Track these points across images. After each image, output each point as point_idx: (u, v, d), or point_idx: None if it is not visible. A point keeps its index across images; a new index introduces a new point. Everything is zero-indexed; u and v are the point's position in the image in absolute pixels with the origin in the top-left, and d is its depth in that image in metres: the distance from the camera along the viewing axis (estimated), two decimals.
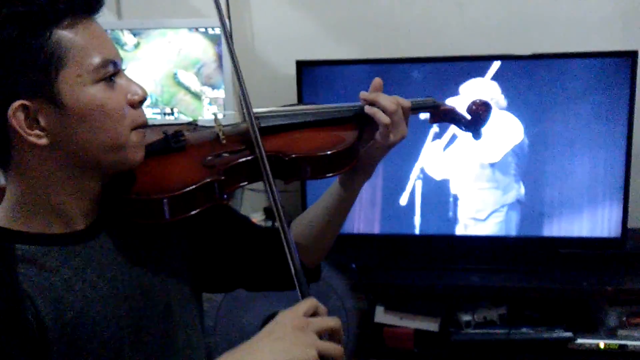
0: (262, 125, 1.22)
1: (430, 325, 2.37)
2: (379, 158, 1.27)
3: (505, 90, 2.32)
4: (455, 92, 2.33)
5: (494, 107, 2.22)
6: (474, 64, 2.35)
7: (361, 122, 1.26)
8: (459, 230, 2.43)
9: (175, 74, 2.50)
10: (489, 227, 2.40)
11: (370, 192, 2.39)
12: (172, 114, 2.53)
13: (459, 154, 2.36)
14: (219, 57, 2.47)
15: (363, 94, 1.26)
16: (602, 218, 2.34)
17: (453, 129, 2.28)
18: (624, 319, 2.28)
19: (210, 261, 1.28)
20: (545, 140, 2.34)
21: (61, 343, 1.00)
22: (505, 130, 2.33)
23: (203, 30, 2.45)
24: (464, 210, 2.41)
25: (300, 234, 1.31)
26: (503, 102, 2.32)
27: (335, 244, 1.37)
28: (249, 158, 1.17)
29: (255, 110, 1.22)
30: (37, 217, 1.04)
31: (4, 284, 0.98)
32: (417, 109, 1.33)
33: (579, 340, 2.28)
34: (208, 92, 2.51)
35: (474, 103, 1.37)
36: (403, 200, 2.42)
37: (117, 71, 1.05)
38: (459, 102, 2.28)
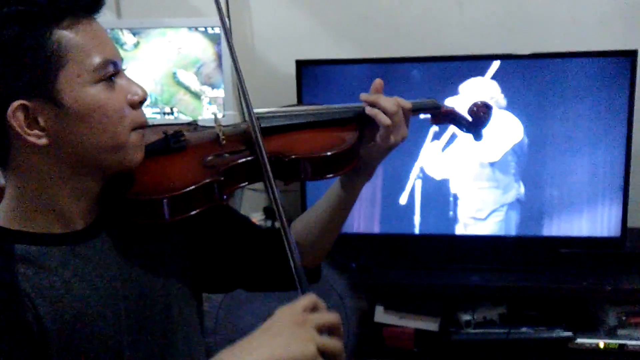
0: (263, 125, 1.22)
1: (430, 324, 2.37)
2: (380, 159, 1.27)
3: (505, 90, 2.32)
4: (455, 92, 2.33)
5: (494, 106, 2.22)
6: (474, 64, 2.34)
7: (362, 123, 1.26)
8: (459, 230, 2.42)
9: (174, 74, 2.50)
10: (489, 227, 2.40)
11: (370, 191, 2.39)
12: (172, 113, 2.53)
13: (458, 153, 2.36)
14: (219, 57, 2.47)
15: (363, 96, 1.26)
16: (602, 217, 2.34)
17: (453, 129, 2.29)
18: (624, 318, 2.28)
19: (209, 261, 1.28)
20: (545, 139, 2.34)
21: (60, 343, 1.00)
22: (505, 129, 2.33)
23: (203, 29, 2.45)
24: (464, 209, 2.41)
25: (300, 234, 1.31)
26: (503, 101, 2.32)
27: (335, 244, 1.37)
28: (249, 159, 1.16)
29: (255, 110, 1.21)
30: (36, 217, 1.04)
31: (3, 283, 0.98)
32: (418, 110, 1.33)
33: (579, 340, 2.28)
34: (208, 91, 2.50)
35: (475, 104, 1.37)
36: (403, 200, 2.42)
37: (118, 71, 1.05)
38: (459, 102, 2.30)
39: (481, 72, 2.32)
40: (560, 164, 2.34)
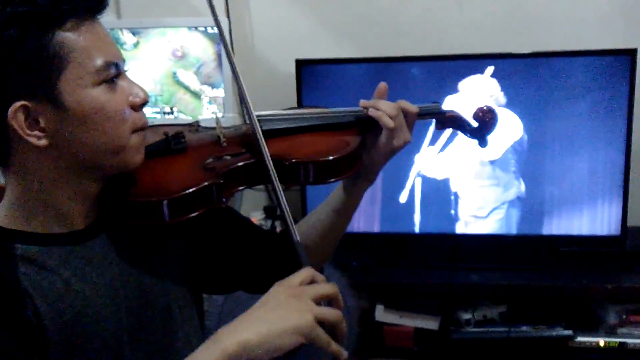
0: (264, 128, 1.21)
1: (430, 323, 2.37)
2: (382, 164, 1.27)
3: (505, 88, 2.32)
4: (454, 90, 2.33)
5: (494, 104, 2.23)
6: (474, 62, 2.34)
7: (364, 127, 1.25)
8: (459, 229, 2.43)
9: (174, 73, 2.50)
10: (490, 225, 2.40)
11: (370, 190, 2.36)
12: (172, 113, 2.53)
13: (458, 152, 2.36)
14: (219, 56, 2.47)
15: (363, 102, 1.26)
16: (602, 216, 2.34)
17: (448, 132, 2.29)
18: (624, 316, 2.28)
19: (210, 262, 1.28)
20: (545, 138, 2.34)
21: (60, 342, 1.00)
22: (505, 127, 2.33)
23: (202, 29, 2.45)
24: (465, 207, 2.41)
25: (302, 237, 1.30)
26: (502, 99, 2.32)
27: None
28: (250, 161, 1.16)
29: (256, 112, 1.21)
30: (36, 217, 1.04)
31: (4, 282, 0.98)
32: (422, 114, 1.32)
33: (579, 338, 2.28)
34: (207, 91, 2.50)
35: (480, 110, 1.35)
36: (403, 198, 2.42)
37: (119, 73, 1.05)
38: (459, 100, 2.30)
39: (481, 71, 2.31)
40: (560, 162, 2.34)
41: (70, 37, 0.98)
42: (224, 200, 1.12)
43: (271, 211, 2.56)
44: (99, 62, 1.00)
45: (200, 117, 2.50)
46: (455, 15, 2.55)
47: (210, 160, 1.16)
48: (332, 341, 0.98)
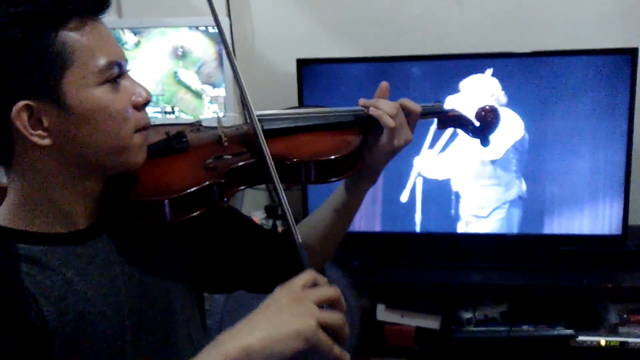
0: (265, 127, 1.21)
1: (431, 323, 2.38)
2: (383, 163, 1.26)
3: (506, 87, 2.32)
4: (455, 90, 2.33)
5: (495, 104, 2.23)
6: (474, 62, 2.34)
7: (365, 126, 1.25)
8: (460, 228, 2.43)
9: (175, 73, 2.50)
10: (491, 225, 2.41)
11: (371, 189, 2.37)
12: (173, 112, 2.53)
13: (459, 151, 2.36)
14: (220, 56, 2.47)
15: (362, 101, 1.26)
16: (603, 215, 2.34)
17: (449, 132, 2.29)
18: (625, 316, 2.28)
19: (211, 261, 1.28)
20: (546, 137, 2.34)
21: (63, 342, 1.00)
22: (506, 127, 2.33)
23: (203, 28, 2.45)
24: (466, 207, 2.41)
25: (303, 237, 1.30)
26: (503, 98, 2.32)
27: None
28: (251, 161, 1.16)
29: (257, 112, 1.21)
30: (39, 217, 1.04)
31: (7, 283, 0.98)
32: (425, 114, 1.31)
33: (580, 338, 2.28)
34: (209, 90, 2.51)
35: (482, 109, 1.34)
36: (404, 198, 2.42)
37: (122, 73, 1.05)
38: (460, 99, 2.30)
39: (482, 71, 2.32)
40: (561, 161, 2.34)
41: (73, 36, 0.98)
42: (225, 199, 1.12)
43: (272, 211, 2.56)
44: (102, 61, 1.00)
45: (201, 117, 2.50)
46: (455, 14, 2.55)
47: (211, 159, 1.16)
48: (335, 345, 0.98)
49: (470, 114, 1.36)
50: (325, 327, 0.97)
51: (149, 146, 1.11)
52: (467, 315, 2.34)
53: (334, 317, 0.99)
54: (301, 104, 2.37)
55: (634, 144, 2.29)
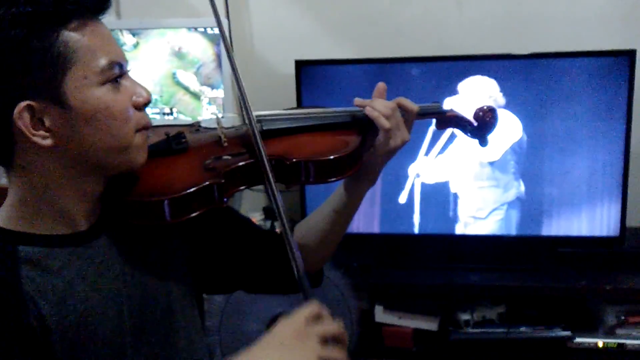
0: (265, 128, 1.22)
1: (429, 324, 2.38)
2: (382, 163, 1.26)
3: (504, 89, 2.32)
4: (454, 91, 2.33)
5: (493, 105, 2.23)
6: (473, 63, 2.35)
7: (363, 126, 1.25)
8: (458, 230, 2.43)
9: (174, 74, 2.50)
10: (489, 226, 2.41)
11: (369, 190, 2.38)
12: (171, 113, 2.53)
13: (458, 153, 2.36)
14: (218, 57, 2.47)
15: (357, 100, 1.26)
16: (601, 217, 2.35)
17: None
18: (623, 317, 2.28)
19: (210, 262, 1.28)
20: (544, 139, 2.35)
21: (64, 344, 1.01)
22: (504, 128, 2.33)
23: (202, 30, 2.45)
24: (464, 208, 2.41)
25: (302, 238, 1.31)
26: (502, 100, 2.32)
27: None
28: (250, 161, 1.16)
29: (257, 112, 1.21)
30: (39, 218, 1.04)
31: (7, 286, 0.98)
32: (423, 114, 1.32)
33: (578, 339, 2.29)
34: (207, 91, 2.51)
35: (480, 109, 1.34)
36: (402, 199, 2.42)
37: (123, 73, 1.05)
38: (458, 101, 2.30)
39: (480, 72, 2.32)
40: (560, 163, 2.35)
41: (74, 37, 0.98)
42: (225, 200, 1.12)
43: (270, 212, 2.56)
44: (103, 62, 1.00)
45: (199, 118, 2.50)
46: (454, 16, 2.56)
47: (211, 160, 1.16)
48: None
49: (469, 115, 1.36)
50: None
51: (148, 147, 1.11)
52: (465, 316, 2.35)
53: (336, 354, 0.98)
54: (300, 105, 2.37)
55: (632, 146, 2.29)
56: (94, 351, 1.04)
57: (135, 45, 2.47)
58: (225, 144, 1.21)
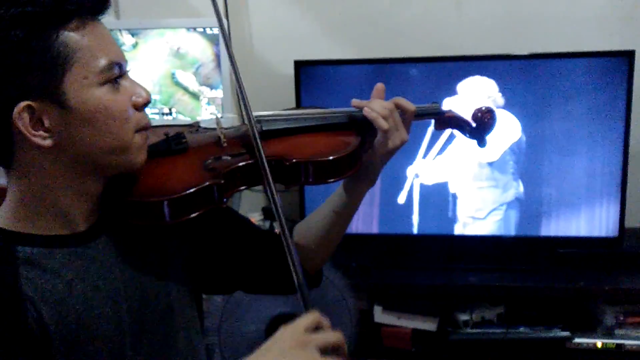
0: (264, 128, 1.22)
1: (428, 324, 2.38)
2: (382, 164, 1.26)
3: (503, 89, 2.32)
4: (453, 92, 2.33)
5: (492, 105, 2.23)
6: (472, 63, 2.35)
7: (363, 127, 1.25)
8: (457, 230, 2.43)
9: (173, 74, 2.50)
10: (488, 226, 2.41)
11: (368, 191, 2.39)
12: (170, 114, 2.53)
13: (457, 153, 2.36)
14: (217, 57, 2.47)
15: (355, 101, 1.26)
16: (600, 217, 2.35)
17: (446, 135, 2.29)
18: (621, 318, 2.29)
19: (209, 262, 1.28)
20: (543, 139, 2.35)
21: (63, 345, 1.00)
22: (503, 129, 2.33)
23: (201, 30, 2.45)
24: (463, 209, 2.41)
25: (302, 238, 1.31)
26: (501, 100, 2.33)
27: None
28: (250, 162, 1.16)
29: (256, 113, 1.21)
30: (39, 219, 1.04)
31: (5, 286, 0.98)
32: (421, 115, 1.32)
33: (577, 340, 2.29)
34: (206, 92, 2.51)
35: (479, 110, 1.35)
36: (401, 199, 2.42)
37: (123, 73, 1.05)
38: (457, 101, 2.31)
39: (479, 73, 2.32)
40: (558, 163, 2.35)
41: (74, 37, 0.98)
42: (224, 200, 1.12)
43: (269, 212, 2.56)
44: (103, 62, 1.00)
45: (199, 118, 2.50)
46: (453, 16, 2.56)
47: (210, 160, 1.16)
48: None
49: (467, 115, 1.36)
50: None
51: (148, 147, 1.11)
52: (464, 317, 2.35)
53: None
54: (299, 106, 2.37)
55: (631, 146, 2.29)
56: (93, 352, 1.04)
57: (135, 46, 2.47)
58: (225, 145, 1.21)
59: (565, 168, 2.35)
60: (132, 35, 2.47)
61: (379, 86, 1.27)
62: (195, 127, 1.28)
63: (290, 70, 2.40)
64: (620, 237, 2.34)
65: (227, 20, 2.57)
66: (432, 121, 1.39)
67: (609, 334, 2.29)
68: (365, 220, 2.45)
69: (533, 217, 2.39)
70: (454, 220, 2.42)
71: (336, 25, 2.63)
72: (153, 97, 2.53)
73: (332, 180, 1.19)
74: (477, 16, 2.54)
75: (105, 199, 1.09)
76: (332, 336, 1.00)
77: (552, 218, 2.38)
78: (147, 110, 1.09)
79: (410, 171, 2.39)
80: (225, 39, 1.24)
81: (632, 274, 2.33)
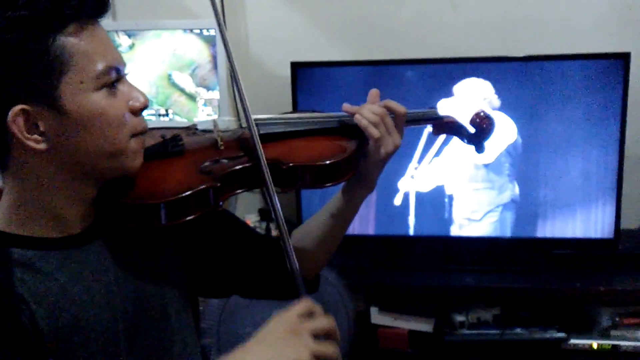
0: (261, 132, 1.21)
1: (424, 326, 2.38)
2: (378, 169, 1.25)
3: (499, 91, 2.32)
4: (449, 93, 2.33)
5: (488, 107, 2.23)
6: (468, 65, 2.35)
7: (359, 132, 1.25)
8: (453, 231, 2.43)
9: (170, 75, 2.50)
10: (484, 228, 2.41)
11: None
12: (167, 115, 2.53)
13: (453, 155, 2.36)
14: (214, 58, 2.47)
15: (345, 106, 1.25)
16: (596, 219, 2.35)
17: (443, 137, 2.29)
18: (617, 319, 2.29)
19: (205, 266, 1.28)
20: (539, 141, 2.35)
21: (57, 348, 1.00)
22: (499, 130, 2.33)
23: (198, 31, 2.46)
24: (459, 210, 2.41)
25: (300, 242, 1.30)
26: (497, 102, 2.33)
27: None
28: (247, 165, 1.16)
29: (253, 116, 1.21)
30: (33, 221, 1.04)
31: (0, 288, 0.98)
32: (419, 120, 1.31)
33: (572, 341, 2.29)
34: (203, 93, 2.51)
35: (477, 115, 1.33)
36: (397, 201, 2.42)
37: (120, 77, 1.04)
38: (453, 104, 2.30)
39: (476, 75, 2.32)
40: (554, 165, 2.35)
41: (71, 41, 0.98)
42: (220, 203, 1.12)
43: (266, 213, 2.56)
44: (100, 66, 1.00)
45: (195, 120, 2.50)
46: (450, 18, 2.56)
47: (207, 163, 1.16)
48: None
49: (465, 120, 1.35)
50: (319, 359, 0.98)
51: (144, 150, 1.11)
52: (460, 318, 2.35)
53: (328, 349, 0.99)
54: (296, 107, 2.37)
55: (626, 148, 2.29)
56: (87, 354, 1.03)
57: (131, 47, 2.47)
58: (222, 147, 1.21)
59: (561, 169, 2.35)
60: (129, 36, 2.47)
61: (373, 92, 1.27)
62: (192, 129, 1.28)
63: (287, 72, 2.40)
64: (616, 238, 2.34)
65: (224, 21, 2.56)
66: (430, 126, 1.38)
67: (604, 335, 2.29)
68: (362, 222, 2.45)
69: (529, 219, 2.39)
70: (450, 221, 2.42)
71: (333, 27, 2.63)
72: (150, 98, 2.54)
73: (328, 184, 1.19)
74: (474, 18, 2.54)
75: (101, 201, 1.09)
76: (324, 322, 1.02)
77: (548, 219, 2.38)
78: (144, 112, 1.09)
79: (407, 173, 2.38)
80: (224, 41, 1.23)
81: (627, 275, 2.33)
